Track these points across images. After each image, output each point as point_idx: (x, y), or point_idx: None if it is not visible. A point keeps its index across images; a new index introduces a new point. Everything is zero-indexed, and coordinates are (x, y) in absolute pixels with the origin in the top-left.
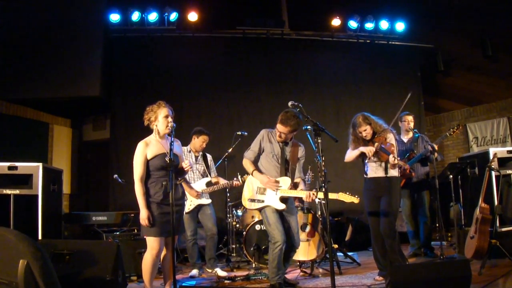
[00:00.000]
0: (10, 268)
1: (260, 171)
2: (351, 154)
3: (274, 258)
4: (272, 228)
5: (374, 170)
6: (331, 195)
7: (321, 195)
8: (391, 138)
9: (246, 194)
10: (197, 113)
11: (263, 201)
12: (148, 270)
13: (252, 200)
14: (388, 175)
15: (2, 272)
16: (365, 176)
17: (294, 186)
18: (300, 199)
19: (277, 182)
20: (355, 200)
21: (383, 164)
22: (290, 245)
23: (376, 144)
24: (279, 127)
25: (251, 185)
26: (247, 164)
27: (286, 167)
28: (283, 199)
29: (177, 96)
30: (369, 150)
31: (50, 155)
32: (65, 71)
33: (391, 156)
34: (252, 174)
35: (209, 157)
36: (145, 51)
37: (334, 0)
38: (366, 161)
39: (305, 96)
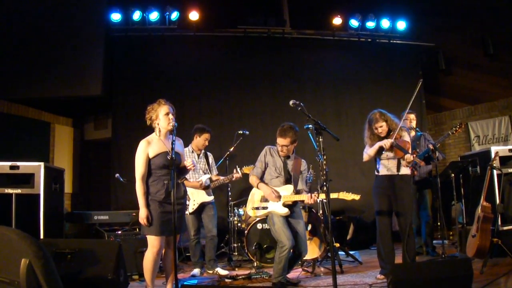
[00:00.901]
0: (12, 267)
1: (265, 183)
2: (369, 152)
3: (280, 260)
4: (279, 233)
5: (386, 167)
6: (332, 195)
7: (322, 196)
8: (405, 136)
9: (252, 203)
10: (198, 112)
11: (266, 207)
12: (149, 268)
13: (256, 208)
14: (400, 173)
15: (4, 271)
16: (376, 173)
17: (297, 193)
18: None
19: (279, 196)
20: (356, 197)
21: (395, 161)
22: (298, 252)
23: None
24: (280, 140)
25: (255, 196)
26: (253, 179)
27: (288, 178)
28: (286, 205)
29: (178, 95)
30: (385, 142)
31: (52, 155)
32: (67, 70)
33: (407, 154)
34: (257, 187)
35: (210, 156)
36: (146, 50)
37: None
38: (379, 157)
39: (306, 94)
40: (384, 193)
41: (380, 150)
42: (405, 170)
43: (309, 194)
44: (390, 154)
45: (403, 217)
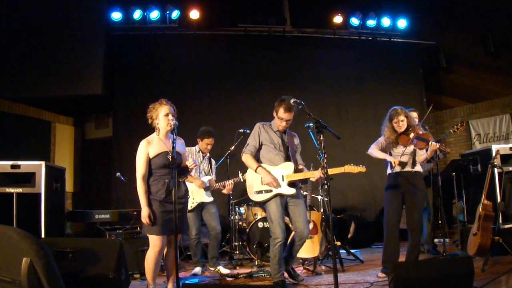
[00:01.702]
0: (14, 266)
1: (263, 167)
2: (376, 154)
3: (275, 255)
4: (274, 224)
5: (400, 164)
6: (337, 169)
7: (329, 171)
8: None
9: (252, 188)
10: (199, 110)
11: (271, 191)
12: (150, 268)
13: (259, 192)
14: (414, 169)
15: (6, 270)
16: (389, 171)
17: (298, 171)
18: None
19: (279, 185)
20: (362, 169)
21: (410, 158)
22: (299, 233)
23: (412, 134)
24: (285, 115)
25: (256, 178)
26: (249, 160)
27: (287, 153)
28: (291, 184)
29: (179, 93)
30: (394, 161)
31: (53, 154)
32: (67, 69)
33: (431, 142)
34: (256, 171)
35: (213, 161)
36: (147, 49)
37: None
38: (393, 154)
39: (307, 93)
40: (397, 191)
41: (391, 147)
42: (419, 167)
43: (315, 172)
44: (409, 149)
45: (414, 213)
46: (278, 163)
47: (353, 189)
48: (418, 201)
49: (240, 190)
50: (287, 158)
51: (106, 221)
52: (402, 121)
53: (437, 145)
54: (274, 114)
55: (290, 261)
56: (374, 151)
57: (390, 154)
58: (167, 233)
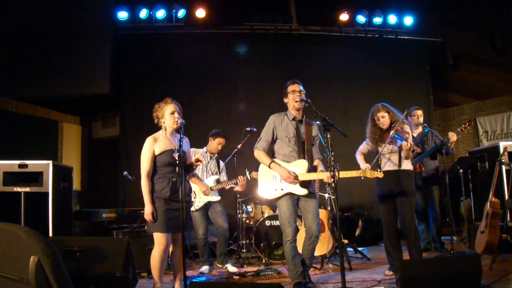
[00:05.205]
0: (21, 264)
1: (277, 163)
2: (357, 158)
3: (287, 255)
4: (284, 222)
5: (388, 162)
6: (354, 173)
7: (342, 174)
8: (406, 128)
9: (263, 185)
10: (205, 109)
11: (282, 189)
12: (156, 266)
13: (270, 190)
14: (401, 168)
15: (13, 268)
16: (378, 170)
17: (313, 169)
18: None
19: (297, 177)
20: (379, 175)
21: (397, 156)
22: (309, 235)
23: (391, 131)
24: (293, 86)
25: (267, 174)
26: (261, 156)
27: (302, 148)
28: (304, 184)
29: (186, 92)
30: (365, 167)
31: (60, 153)
32: (74, 69)
33: (404, 141)
34: (269, 167)
35: (221, 163)
36: (153, 48)
37: None
38: (380, 154)
39: (313, 91)
40: (388, 189)
41: (377, 146)
42: (408, 165)
43: (328, 173)
44: (395, 148)
45: (405, 211)
46: (292, 159)
47: (360, 187)
48: (407, 199)
49: (247, 188)
50: (302, 154)
51: (113, 220)
52: (383, 117)
53: (408, 144)
54: (285, 99)
55: (304, 264)
56: (357, 154)
57: (377, 153)
58: (171, 230)
